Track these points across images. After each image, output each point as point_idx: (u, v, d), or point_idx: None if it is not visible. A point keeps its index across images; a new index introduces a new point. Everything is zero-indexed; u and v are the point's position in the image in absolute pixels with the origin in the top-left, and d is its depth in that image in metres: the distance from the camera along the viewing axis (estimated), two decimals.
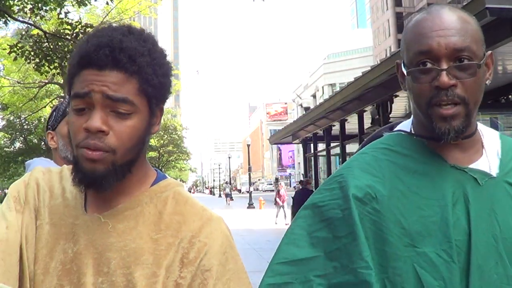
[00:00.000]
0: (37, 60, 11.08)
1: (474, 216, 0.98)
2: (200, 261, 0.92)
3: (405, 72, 1.02)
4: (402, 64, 1.04)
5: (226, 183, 59.69)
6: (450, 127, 0.97)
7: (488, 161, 1.04)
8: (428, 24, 0.98)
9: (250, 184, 37.55)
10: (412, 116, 1.10)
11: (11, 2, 10.47)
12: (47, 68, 11.28)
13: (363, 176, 1.01)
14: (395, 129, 1.14)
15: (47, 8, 10.92)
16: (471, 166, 1.03)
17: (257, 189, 75.66)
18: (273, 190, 77.39)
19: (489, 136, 1.09)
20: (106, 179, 0.92)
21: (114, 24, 0.99)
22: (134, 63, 0.91)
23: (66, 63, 11.06)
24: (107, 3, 12.45)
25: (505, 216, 0.99)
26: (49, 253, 0.95)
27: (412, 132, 1.08)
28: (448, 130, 0.97)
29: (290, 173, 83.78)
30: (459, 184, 1.00)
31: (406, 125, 1.12)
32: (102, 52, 0.89)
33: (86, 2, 11.56)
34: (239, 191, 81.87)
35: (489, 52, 1.02)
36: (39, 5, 10.58)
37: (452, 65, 0.96)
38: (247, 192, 34.94)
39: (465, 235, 0.97)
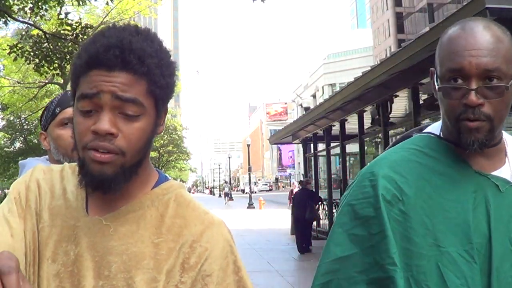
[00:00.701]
0: (37, 60, 11.04)
1: (494, 221, 1.02)
2: (201, 266, 0.92)
3: (437, 86, 1.07)
4: (435, 76, 1.08)
5: (226, 182, 59.77)
6: (474, 139, 1.02)
7: (510, 169, 1.09)
8: (462, 42, 1.02)
9: (250, 184, 37.61)
10: (441, 121, 1.14)
11: (11, 2, 10.45)
12: (46, 68, 11.25)
13: (391, 176, 1.06)
14: (425, 130, 1.18)
15: (47, 7, 10.88)
16: (494, 173, 1.08)
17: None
18: (268, 190, 77.24)
19: None
20: (115, 182, 0.91)
21: (120, 24, 0.98)
22: (143, 64, 0.89)
23: (66, 63, 11.03)
24: (107, 3, 12.43)
25: None
26: (52, 255, 0.94)
27: (441, 136, 1.13)
28: (472, 142, 1.02)
29: (290, 173, 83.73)
30: (481, 189, 1.05)
31: (435, 128, 1.16)
32: (112, 52, 0.88)
33: (86, 1, 11.53)
34: (243, 191, 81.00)
35: None
36: (39, 4, 10.55)
37: (481, 86, 1.00)
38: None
39: (485, 238, 1.01)
